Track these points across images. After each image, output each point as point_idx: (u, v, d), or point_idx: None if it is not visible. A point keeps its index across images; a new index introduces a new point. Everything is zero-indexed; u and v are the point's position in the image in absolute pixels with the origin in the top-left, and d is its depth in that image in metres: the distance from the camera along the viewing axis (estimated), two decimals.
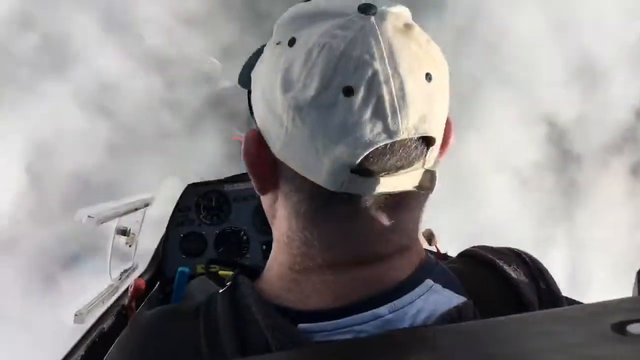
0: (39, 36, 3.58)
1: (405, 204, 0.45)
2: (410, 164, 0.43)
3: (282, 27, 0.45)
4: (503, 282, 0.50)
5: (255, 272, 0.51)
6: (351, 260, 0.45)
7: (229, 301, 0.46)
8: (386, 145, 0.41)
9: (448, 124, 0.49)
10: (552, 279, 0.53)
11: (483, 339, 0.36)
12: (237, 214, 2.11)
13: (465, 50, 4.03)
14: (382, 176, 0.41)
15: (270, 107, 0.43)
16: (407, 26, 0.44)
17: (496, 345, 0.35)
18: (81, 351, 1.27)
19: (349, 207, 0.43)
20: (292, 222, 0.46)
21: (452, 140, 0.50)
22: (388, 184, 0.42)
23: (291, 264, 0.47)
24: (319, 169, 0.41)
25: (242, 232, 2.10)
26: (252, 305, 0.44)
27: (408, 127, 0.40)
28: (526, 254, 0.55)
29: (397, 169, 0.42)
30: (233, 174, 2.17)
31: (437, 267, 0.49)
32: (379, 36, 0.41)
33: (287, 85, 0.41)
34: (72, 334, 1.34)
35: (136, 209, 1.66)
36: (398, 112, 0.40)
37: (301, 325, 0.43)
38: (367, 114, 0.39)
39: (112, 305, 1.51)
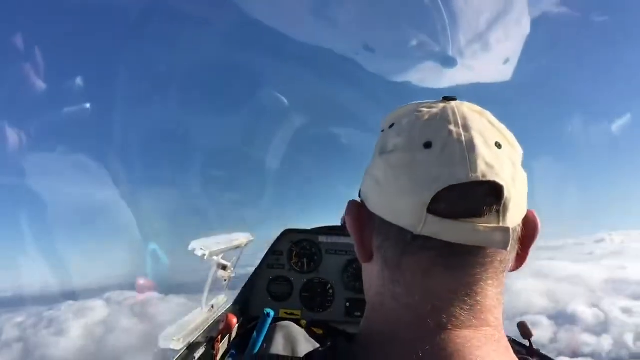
0: None
1: (480, 266, 0.49)
2: (481, 213, 0.46)
3: (385, 119, 0.59)
4: None
5: (351, 336, 0.56)
6: (434, 323, 0.48)
7: None
8: (458, 187, 0.46)
9: (533, 218, 0.53)
10: None
11: None
12: (327, 266, 2.13)
13: None
14: (455, 220, 0.46)
15: (370, 174, 0.54)
16: (482, 110, 0.54)
17: None
18: None
19: (428, 255, 0.48)
20: (382, 276, 0.53)
21: (538, 232, 0.53)
22: (462, 231, 0.46)
23: (381, 328, 0.51)
24: (403, 211, 0.48)
25: (329, 285, 2.11)
26: None
27: (476, 173, 0.46)
28: None
29: (470, 215, 0.46)
30: (330, 225, 2.20)
31: None
32: (456, 111, 0.52)
33: (382, 150, 0.54)
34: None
35: (238, 247, 1.75)
36: (467, 160, 0.47)
37: None
38: (442, 161, 0.47)
39: (201, 335, 1.57)
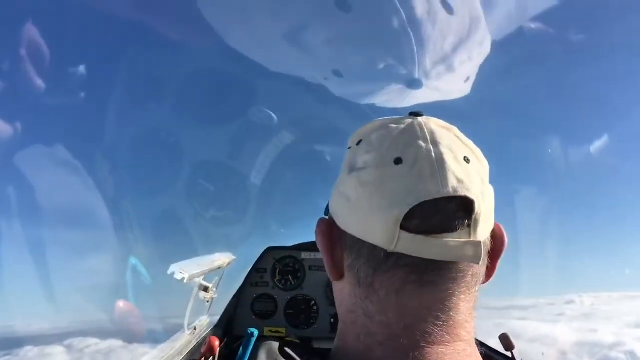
0: None
1: (453, 281, 0.48)
2: (453, 228, 0.46)
3: (353, 136, 0.58)
4: None
5: (326, 354, 0.55)
6: (407, 341, 0.47)
7: None
8: (429, 202, 0.46)
9: (500, 231, 0.54)
10: None
11: None
12: (311, 282, 2.12)
13: None
14: (428, 236, 0.46)
15: (340, 192, 0.53)
16: (449, 126, 0.55)
17: None
18: None
19: (401, 272, 0.48)
20: (354, 294, 0.52)
21: (505, 245, 0.54)
22: (435, 247, 0.46)
23: (355, 346, 0.51)
24: (376, 228, 0.47)
25: (313, 302, 2.09)
26: None
27: (447, 188, 0.46)
28: None
29: (442, 230, 0.46)
30: (312, 241, 2.19)
31: None
32: (424, 127, 0.52)
33: (352, 167, 0.53)
34: None
35: (219, 268, 1.73)
36: (438, 175, 0.47)
37: None
38: (413, 177, 0.47)
39: (183, 359, 1.54)
